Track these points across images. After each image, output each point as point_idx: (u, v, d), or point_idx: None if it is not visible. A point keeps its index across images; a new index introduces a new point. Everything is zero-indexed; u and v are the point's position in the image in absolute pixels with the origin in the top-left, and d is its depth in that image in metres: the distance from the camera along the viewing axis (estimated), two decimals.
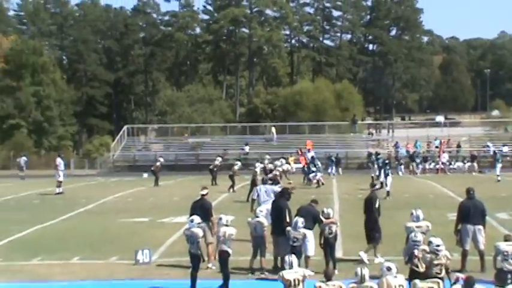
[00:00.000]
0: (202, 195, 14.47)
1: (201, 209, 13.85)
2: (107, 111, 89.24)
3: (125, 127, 58.51)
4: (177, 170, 46.06)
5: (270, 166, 29.56)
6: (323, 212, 13.54)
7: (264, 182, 17.55)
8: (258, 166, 27.84)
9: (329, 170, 39.81)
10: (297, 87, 74.86)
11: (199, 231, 12.29)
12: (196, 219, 12.47)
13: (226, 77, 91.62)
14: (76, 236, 18.47)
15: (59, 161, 31.65)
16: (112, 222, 20.93)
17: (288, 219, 13.14)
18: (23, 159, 46.05)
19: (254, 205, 16.17)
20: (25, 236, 18.57)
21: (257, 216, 13.48)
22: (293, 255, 10.37)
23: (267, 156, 30.57)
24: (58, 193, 30.33)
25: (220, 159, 36.80)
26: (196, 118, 68.04)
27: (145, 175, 40.51)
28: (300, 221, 12.71)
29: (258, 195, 16.51)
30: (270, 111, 73.51)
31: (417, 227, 12.70)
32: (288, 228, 12.77)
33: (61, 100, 72.06)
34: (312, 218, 13.29)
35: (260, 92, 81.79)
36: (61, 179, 30.89)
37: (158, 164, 35.89)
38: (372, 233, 14.14)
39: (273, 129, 55.03)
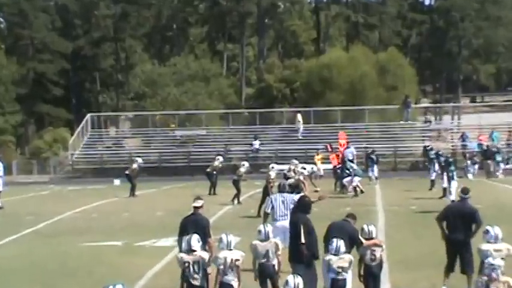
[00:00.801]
0: (196, 207, 14.43)
1: (195, 227, 13.80)
2: (63, 94, 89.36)
3: (88, 116, 58.85)
4: (160, 174, 46.35)
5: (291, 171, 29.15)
6: (363, 230, 13.48)
7: (281, 190, 17.36)
8: (273, 168, 27.80)
9: (369, 173, 39.85)
10: (325, 58, 74.70)
11: (206, 255, 12.35)
12: (197, 238, 12.45)
13: (227, 45, 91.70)
14: (21, 267, 18.46)
15: None
16: (72, 248, 20.97)
17: (303, 240, 12.91)
18: None
19: (268, 221, 16.09)
20: None
21: (267, 238, 13.28)
22: None
23: (294, 161, 30.36)
24: None
25: (220, 159, 36.86)
26: (186, 102, 68.16)
27: (117, 182, 40.70)
28: (342, 243, 12.53)
29: (272, 208, 16.43)
30: (288, 91, 73.57)
31: (495, 250, 12.60)
32: (329, 257, 12.50)
33: None
34: (348, 238, 13.11)
35: (274, 65, 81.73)
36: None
37: (135, 166, 35.96)
38: (470, 258, 14.14)
39: (299, 117, 55.19)
